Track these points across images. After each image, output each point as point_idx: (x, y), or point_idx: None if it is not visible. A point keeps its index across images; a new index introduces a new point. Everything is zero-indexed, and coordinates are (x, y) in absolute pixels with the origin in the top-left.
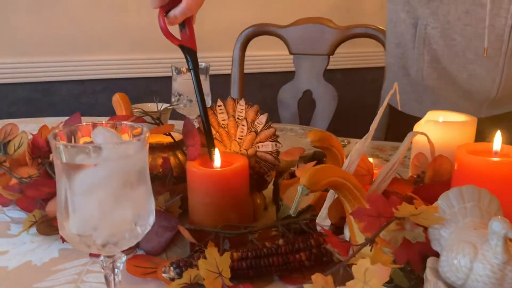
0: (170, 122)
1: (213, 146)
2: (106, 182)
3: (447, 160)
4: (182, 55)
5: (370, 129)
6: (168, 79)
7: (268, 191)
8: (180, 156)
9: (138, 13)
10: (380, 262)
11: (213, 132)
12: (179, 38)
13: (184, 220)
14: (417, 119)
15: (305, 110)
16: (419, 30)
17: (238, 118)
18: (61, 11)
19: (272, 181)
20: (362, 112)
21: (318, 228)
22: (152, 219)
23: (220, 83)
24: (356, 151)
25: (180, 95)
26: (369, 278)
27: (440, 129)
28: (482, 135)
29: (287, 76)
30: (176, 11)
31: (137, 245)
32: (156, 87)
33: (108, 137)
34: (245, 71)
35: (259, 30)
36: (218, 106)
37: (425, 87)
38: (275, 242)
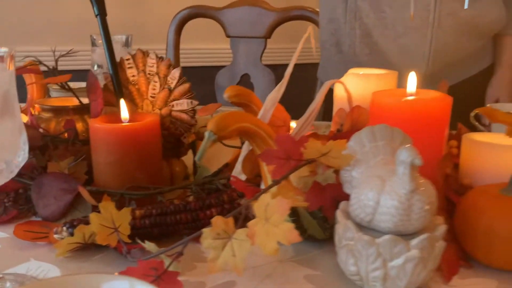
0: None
1: (121, 96)
2: None
3: (364, 110)
4: None
5: (284, 77)
6: None
7: (190, 158)
8: (87, 118)
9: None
10: (282, 195)
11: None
12: None
13: (89, 185)
14: None
15: None
16: (349, 3)
17: (149, 74)
18: None
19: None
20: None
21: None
22: (22, 158)
23: None
24: (271, 100)
25: (99, 66)
26: (270, 214)
27: (360, 81)
28: None
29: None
30: None
31: (34, 213)
32: None
33: None
34: (184, 64)
35: (195, 12)
36: (127, 60)
37: (358, 64)
38: (185, 199)
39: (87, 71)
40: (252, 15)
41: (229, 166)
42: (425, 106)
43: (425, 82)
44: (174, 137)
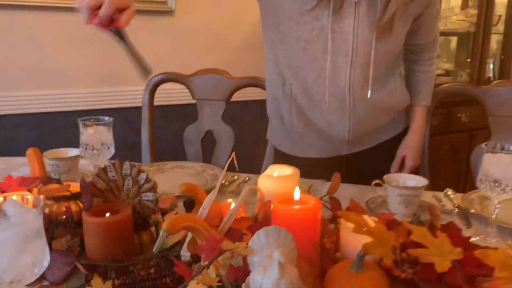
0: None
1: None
2: (11, 241)
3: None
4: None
5: (217, 184)
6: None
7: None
8: (80, 203)
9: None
10: (205, 282)
11: (105, 185)
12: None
13: (82, 256)
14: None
15: (208, 148)
16: (286, 89)
17: (125, 175)
18: None
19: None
20: (256, 149)
21: (182, 257)
22: (46, 262)
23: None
24: (207, 201)
25: (86, 145)
26: None
27: (272, 181)
28: (351, 168)
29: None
30: (102, 10)
31: (44, 277)
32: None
33: (16, 209)
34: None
35: (166, 78)
36: (108, 166)
37: (296, 133)
38: (148, 270)
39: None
40: (214, 82)
41: (180, 242)
42: (305, 211)
43: (348, 147)
44: (143, 218)
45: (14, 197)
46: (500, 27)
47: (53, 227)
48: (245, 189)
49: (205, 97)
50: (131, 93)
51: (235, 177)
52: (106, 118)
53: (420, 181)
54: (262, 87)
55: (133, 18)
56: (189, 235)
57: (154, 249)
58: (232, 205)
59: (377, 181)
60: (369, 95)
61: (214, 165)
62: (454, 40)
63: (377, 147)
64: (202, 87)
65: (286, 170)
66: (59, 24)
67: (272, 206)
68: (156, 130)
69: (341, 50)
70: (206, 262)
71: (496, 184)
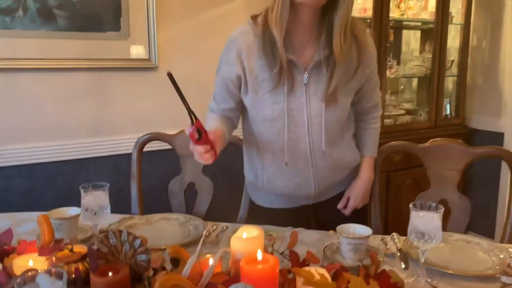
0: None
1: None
2: None
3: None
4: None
5: (197, 249)
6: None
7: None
8: (86, 264)
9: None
10: None
11: (107, 249)
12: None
13: None
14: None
15: (190, 198)
16: (257, 158)
17: (123, 241)
18: None
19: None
20: (234, 196)
21: None
22: None
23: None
24: (190, 263)
25: (86, 208)
26: None
27: (242, 242)
28: (317, 214)
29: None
30: None
31: None
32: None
33: (46, 281)
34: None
35: (152, 137)
36: (109, 234)
37: (269, 194)
38: None
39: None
40: None
41: None
42: (266, 270)
43: (314, 199)
44: (138, 274)
45: (43, 274)
46: (454, 69)
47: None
48: (220, 251)
49: (187, 153)
50: (118, 141)
51: (214, 226)
52: (104, 183)
53: (366, 231)
54: (238, 144)
55: (121, 75)
56: None
57: None
58: (210, 261)
59: (331, 231)
60: (324, 155)
61: (195, 214)
62: (415, 81)
63: (338, 196)
64: (185, 145)
65: (253, 232)
66: (52, 83)
67: (241, 264)
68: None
69: (299, 122)
70: None
71: (422, 236)
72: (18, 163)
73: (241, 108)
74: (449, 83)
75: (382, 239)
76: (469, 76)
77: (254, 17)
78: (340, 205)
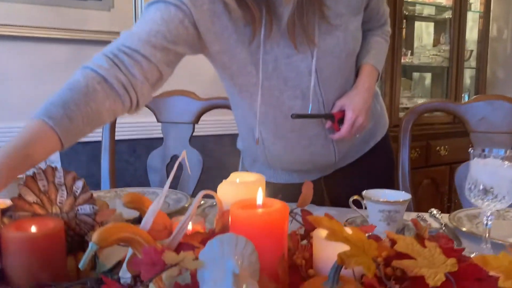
0: None
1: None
2: None
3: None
4: None
5: (162, 193)
6: None
7: None
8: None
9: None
10: None
11: (35, 198)
12: None
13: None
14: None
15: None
16: (257, 134)
17: (57, 184)
18: None
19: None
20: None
21: (121, 280)
22: None
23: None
24: (151, 211)
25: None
26: None
27: (234, 188)
28: (329, 190)
29: (157, 143)
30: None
31: None
32: None
33: None
34: (116, 137)
35: None
36: (38, 173)
37: (275, 169)
38: None
39: None
40: (180, 103)
41: (121, 263)
42: (269, 216)
43: (335, 165)
44: (80, 236)
45: None
46: (473, 62)
47: None
48: (200, 194)
49: (170, 119)
50: None
51: (202, 202)
52: None
53: (402, 195)
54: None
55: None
56: (130, 252)
57: (81, 265)
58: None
59: (356, 196)
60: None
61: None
62: (428, 77)
63: (354, 166)
64: (168, 109)
65: (249, 177)
66: (24, 54)
67: (230, 211)
68: (124, 164)
69: (302, 72)
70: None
71: (486, 193)
72: None
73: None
74: (467, 76)
75: (418, 216)
76: (489, 69)
77: None
78: (327, 124)
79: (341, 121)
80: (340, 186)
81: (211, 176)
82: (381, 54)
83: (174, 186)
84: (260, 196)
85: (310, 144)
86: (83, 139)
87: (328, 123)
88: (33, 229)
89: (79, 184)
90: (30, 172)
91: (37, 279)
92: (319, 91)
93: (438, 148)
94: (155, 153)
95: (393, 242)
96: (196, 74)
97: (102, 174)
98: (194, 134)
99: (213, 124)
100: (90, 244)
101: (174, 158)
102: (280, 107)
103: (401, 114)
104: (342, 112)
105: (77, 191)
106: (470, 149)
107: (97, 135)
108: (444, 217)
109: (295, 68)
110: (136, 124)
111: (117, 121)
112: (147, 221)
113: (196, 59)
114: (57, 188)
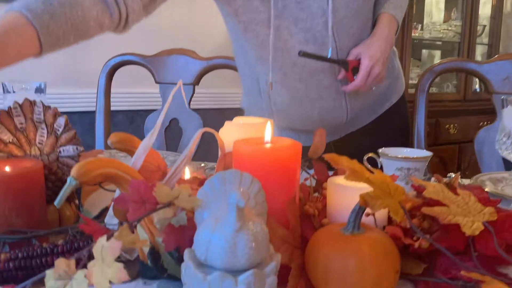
0: None
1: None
2: None
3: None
4: None
5: (156, 125)
6: None
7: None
8: None
9: None
10: (123, 240)
11: (11, 137)
12: None
13: None
14: None
15: (173, 138)
16: (261, 85)
17: (37, 121)
18: None
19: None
20: None
21: (108, 226)
22: None
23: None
24: (143, 147)
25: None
26: (104, 255)
27: (238, 130)
28: (341, 153)
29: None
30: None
31: None
32: None
33: None
34: (113, 108)
35: (125, 60)
36: (14, 108)
37: (280, 129)
38: (53, 242)
39: None
40: (180, 63)
41: (108, 210)
42: (278, 152)
43: (345, 127)
44: (62, 182)
45: None
46: (485, 39)
47: None
48: (200, 131)
49: (169, 80)
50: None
51: (202, 164)
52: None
53: (422, 153)
54: (235, 68)
55: None
56: (116, 195)
57: (56, 201)
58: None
59: (370, 154)
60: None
61: None
62: (437, 55)
63: (365, 130)
64: (166, 69)
65: (255, 120)
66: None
67: (234, 148)
68: None
69: (315, 12)
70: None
71: None
72: None
73: None
74: (478, 54)
75: (436, 180)
76: (501, 46)
77: None
78: (340, 75)
79: (355, 70)
80: (351, 151)
81: (212, 149)
82: (401, 3)
83: (173, 149)
84: (268, 133)
85: (320, 98)
86: (79, 107)
87: (342, 73)
88: (7, 168)
89: (61, 121)
90: (4, 107)
91: (11, 224)
92: (332, 35)
93: (447, 126)
94: (153, 116)
95: (420, 190)
96: (198, 34)
97: (96, 142)
98: (195, 107)
99: (214, 97)
100: (69, 179)
101: (173, 121)
102: (289, 52)
103: (411, 91)
104: (358, 61)
105: (58, 130)
106: (502, 96)
107: (93, 105)
108: (466, 182)
109: (307, 7)
110: (135, 95)
111: (114, 90)
112: (138, 158)
113: (197, 20)
114: (36, 126)
